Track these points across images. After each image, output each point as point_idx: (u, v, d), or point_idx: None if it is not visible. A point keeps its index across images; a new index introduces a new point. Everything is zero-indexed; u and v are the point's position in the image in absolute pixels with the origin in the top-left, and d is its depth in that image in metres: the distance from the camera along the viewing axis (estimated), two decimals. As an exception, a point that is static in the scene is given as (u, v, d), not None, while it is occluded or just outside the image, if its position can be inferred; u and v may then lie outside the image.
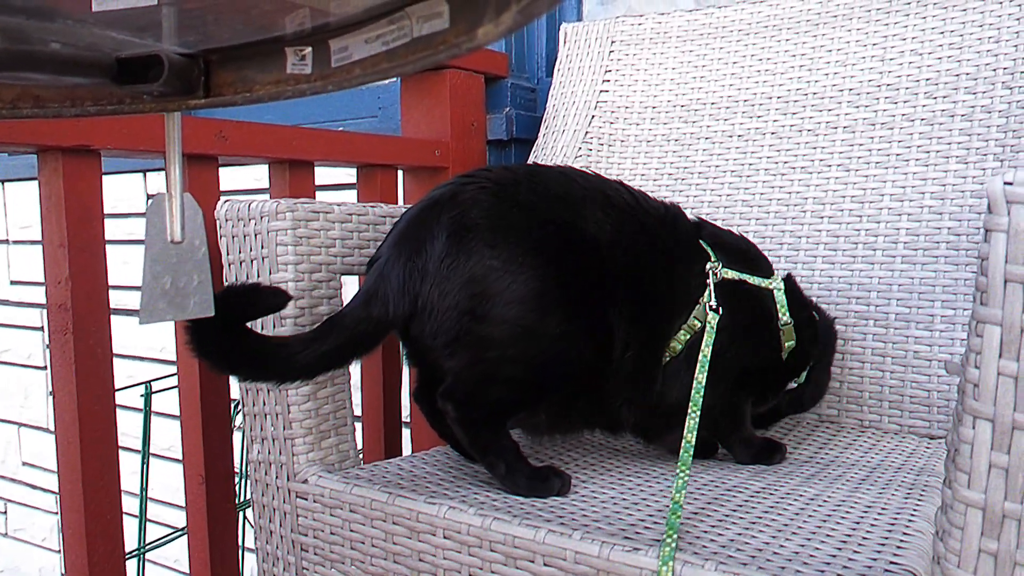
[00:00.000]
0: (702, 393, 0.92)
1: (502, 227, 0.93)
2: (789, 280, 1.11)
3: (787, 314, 1.07)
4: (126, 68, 0.58)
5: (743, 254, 1.09)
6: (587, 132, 1.57)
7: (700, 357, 0.95)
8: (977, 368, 0.58)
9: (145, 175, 2.37)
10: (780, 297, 1.07)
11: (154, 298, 0.59)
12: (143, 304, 0.58)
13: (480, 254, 0.91)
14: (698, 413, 0.90)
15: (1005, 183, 0.55)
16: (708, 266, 1.02)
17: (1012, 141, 1.21)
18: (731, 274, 1.03)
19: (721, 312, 1.00)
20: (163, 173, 0.63)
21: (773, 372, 1.11)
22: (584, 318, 0.95)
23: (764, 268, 1.10)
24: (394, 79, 1.63)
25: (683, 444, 0.87)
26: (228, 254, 1.04)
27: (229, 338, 0.86)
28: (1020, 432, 0.56)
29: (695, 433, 0.88)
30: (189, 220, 0.62)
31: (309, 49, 0.54)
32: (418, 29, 0.46)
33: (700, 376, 0.93)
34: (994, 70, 1.25)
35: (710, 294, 1.00)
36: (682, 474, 0.83)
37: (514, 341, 0.92)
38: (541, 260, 0.93)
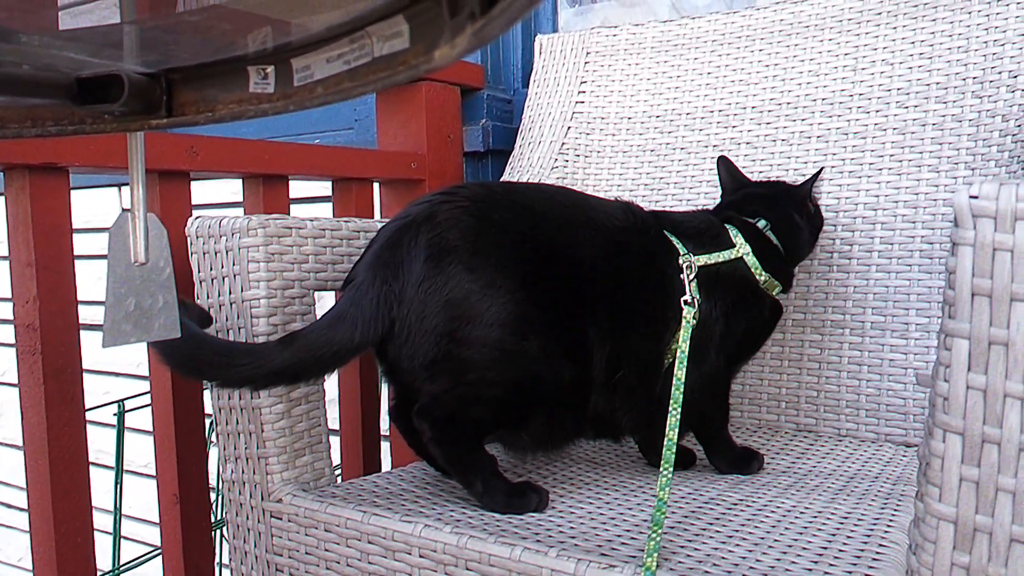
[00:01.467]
0: (682, 389, 0.92)
1: (480, 249, 0.92)
2: (747, 227, 1.10)
3: (763, 272, 1.07)
4: (86, 88, 0.57)
5: (705, 232, 1.08)
6: (563, 143, 1.57)
7: (679, 353, 0.95)
8: (946, 381, 0.58)
9: (119, 189, 2.35)
10: (751, 260, 1.07)
11: (118, 320, 0.58)
12: (106, 326, 0.57)
13: (459, 277, 0.90)
14: (679, 409, 0.90)
15: (971, 197, 0.55)
16: (681, 260, 1.02)
17: (983, 150, 1.22)
18: (703, 259, 1.03)
19: (707, 303, 1.01)
20: (136, 187, 0.63)
21: (759, 333, 1.13)
22: (565, 339, 0.95)
23: (726, 238, 1.08)
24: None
25: (665, 441, 0.87)
26: (199, 271, 1.03)
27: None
28: (990, 445, 0.56)
29: (677, 430, 0.88)
30: (154, 240, 0.61)
31: (271, 68, 0.53)
32: (379, 48, 0.45)
33: (680, 372, 0.93)
34: (964, 79, 1.26)
35: (687, 288, 0.99)
36: (666, 471, 0.84)
37: (494, 363, 0.91)
38: (520, 282, 0.92)
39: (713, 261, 1.04)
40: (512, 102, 1.81)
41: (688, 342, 0.96)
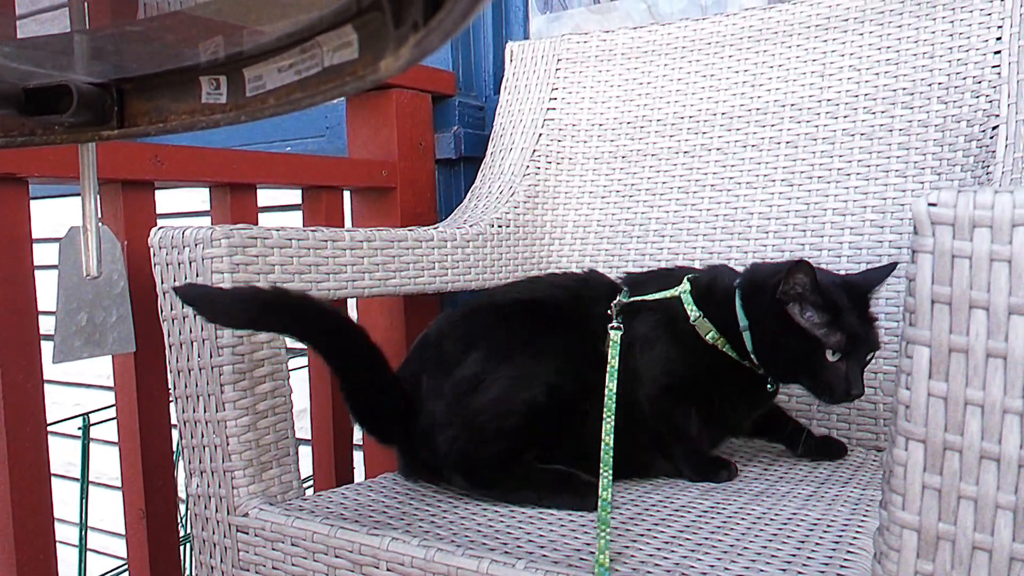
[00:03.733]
0: (614, 399, 0.97)
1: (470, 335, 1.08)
2: (704, 277, 1.12)
3: (695, 310, 1.07)
4: (34, 99, 0.56)
5: (656, 280, 1.13)
6: (535, 150, 1.57)
7: (608, 368, 1.00)
8: (908, 389, 0.58)
9: (89, 198, 2.31)
10: (686, 298, 1.08)
11: (69, 335, 0.56)
12: (57, 342, 0.56)
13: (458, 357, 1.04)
14: (612, 418, 0.95)
15: (929, 204, 0.56)
16: (614, 302, 1.09)
17: (949, 155, 1.23)
18: (637, 299, 1.10)
19: (628, 330, 1.06)
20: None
21: (717, 377, 1.08)
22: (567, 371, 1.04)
23: (675, 284, 1.11)
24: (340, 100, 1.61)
25: (602, 446, 0.91)
26: (163, 283, 1.01)
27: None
28: (951, 452, 0.56)
29: (612, 436, 0.93)
30: (107, 253, 0.60)
31: (223, 78, 0.52)
32: (329, 58, 0.45)
33: (611, 384, 0.99)
34: (929, 85, 1.27)
35: (613, 317, 1.06)
36: (605, 472, 0.88)
37: (505, 390, 1.01)
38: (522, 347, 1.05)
39: (643, 299, 1.09)
40: (484, 109, 1.80)
41: (616, 358, 1.01)
